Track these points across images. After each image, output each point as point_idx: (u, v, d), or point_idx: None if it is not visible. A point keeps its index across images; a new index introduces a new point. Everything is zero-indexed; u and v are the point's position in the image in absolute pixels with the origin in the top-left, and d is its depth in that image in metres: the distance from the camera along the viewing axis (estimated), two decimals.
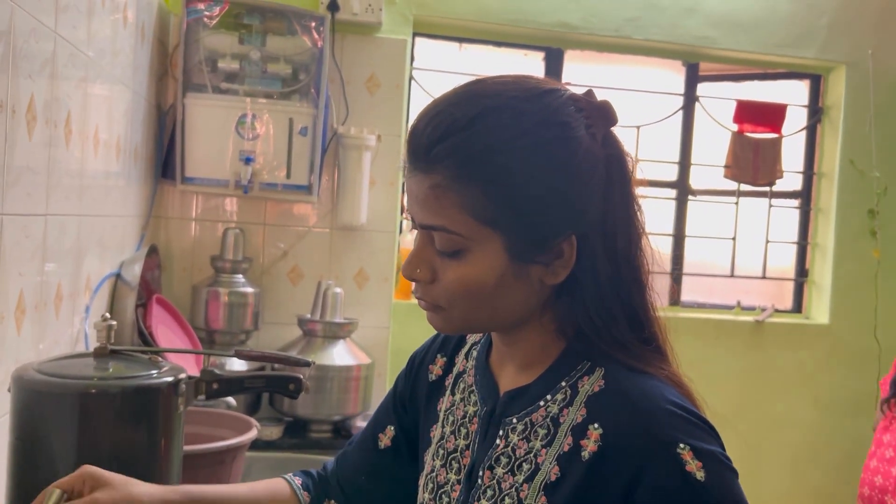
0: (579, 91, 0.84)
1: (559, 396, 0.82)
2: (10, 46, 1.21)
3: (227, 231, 2.50)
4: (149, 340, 2.02)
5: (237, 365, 2.28)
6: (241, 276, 2.50)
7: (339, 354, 2.47)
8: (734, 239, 3.26)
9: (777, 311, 3.26)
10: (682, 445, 0.73)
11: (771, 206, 3.27)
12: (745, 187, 3.23)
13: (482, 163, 0.77)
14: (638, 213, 0.84)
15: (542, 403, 0.83)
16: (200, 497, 0.95)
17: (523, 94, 0.80)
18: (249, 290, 2.49)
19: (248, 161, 2.39)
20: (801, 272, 3.32)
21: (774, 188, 3.25)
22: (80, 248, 1.68)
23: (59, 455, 1.11)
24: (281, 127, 2.46)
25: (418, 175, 0.80)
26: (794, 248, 3.33)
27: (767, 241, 3.28)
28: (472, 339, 0.99)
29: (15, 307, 1.30)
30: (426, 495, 0.92)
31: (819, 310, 3.25)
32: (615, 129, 0.84)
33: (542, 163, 0.78)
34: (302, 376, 1.21)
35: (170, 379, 1.15)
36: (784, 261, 3.34)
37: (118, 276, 2.01)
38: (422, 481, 0.95)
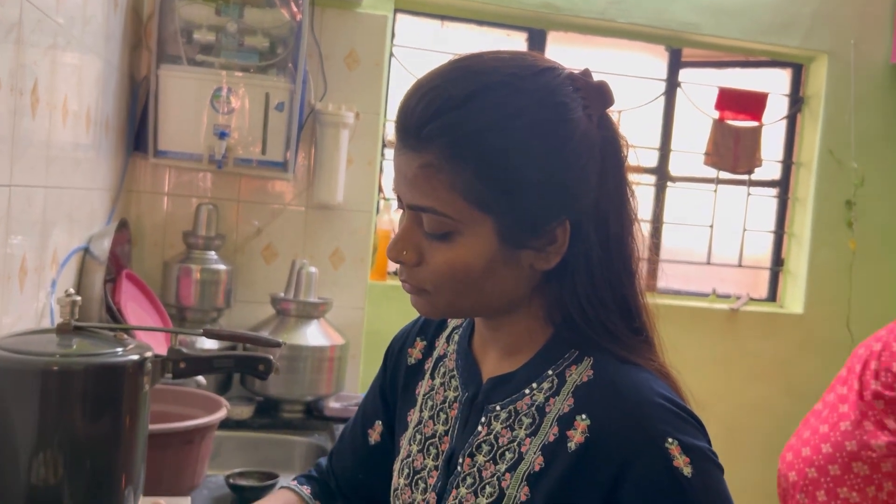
0: (576, 70, 0.81)
1: (545, 385, 0.80)
2: None
3: (200, 207, 2.45)
4: (117, 316, 1.98)
5: (208, 344, 2.24)
6: (213, 252, 2.45)
7: (313, 334, 2.43)
8: (711, 226, 3.26)
9: (752, 299, 3.27)
10: (670, 440, 0.72)
11: (749, 194, 3.28)
12: (724, 175, 3.23)
13: (476, 142, 0.74)
14: (631, 199, 0.82)
15: (527, 391, 0.81)
16: None
17: (521, 72, 0.77)
18: (222, 267, 2.45)
19: (222, 135, 2.34)
20: (777, 261, 3.34)
21: (753, 177, 3.25)
22: (46, 221, 1.63)
23: (19, 434, 1.07)
24: (257, 101, 2.40)
25: (408, 153, 0.77)
26: (770, 237, 3.34)
27: (745, 230, 3.28)
28: (453, 322, 0.96)
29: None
30: (401, 481, 0.89)
31: (794, 299, 3.26)
32: (610, 111, 0.81)
33: (538, 144, 0.75)
34: (272, 357, 1.18)
35: (135, 357, 1.12)
36: (760, 249, 3.35)
37: (86, 250, 1.96)
38: (397, 466, 0.92)
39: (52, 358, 1.08)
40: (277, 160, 2.44)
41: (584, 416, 0.76)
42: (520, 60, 0.78)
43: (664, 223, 3.22)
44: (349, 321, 2.65)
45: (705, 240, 3.26)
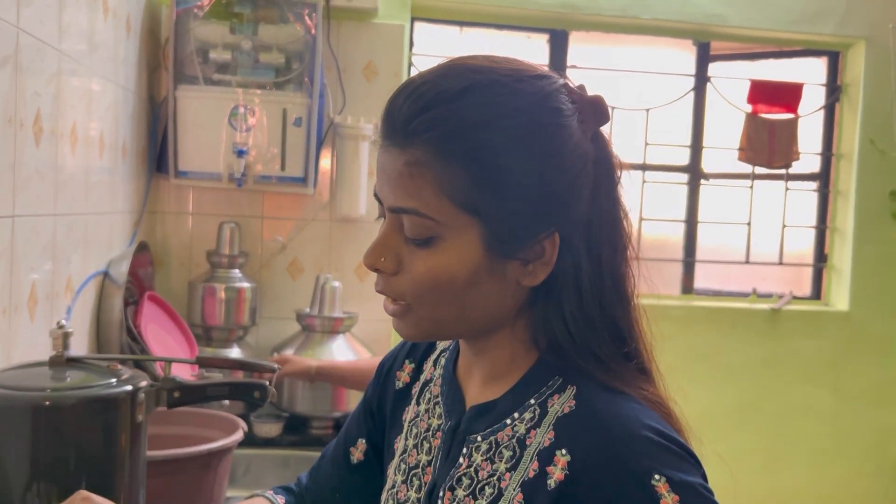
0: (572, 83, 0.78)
1: (527, 415, 0.75)
2: None
3: (222, 225, 2.45)
4: (138, 340, 1.98)
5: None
6: (237, 270, 2.46)
7: (339, 349, 2.42)
8: (749, 224, 3.16)
9: (795, 297, 3.16)
10: (657, 476, 0.66)
11: (787, 189, 3.17)
12: (759, 170, 3.13)
13: (467, 139, 0.70)
14: (624, 221, 0.77)
15: (508, 422, 0.76)
16: None
17: (516, 74, 0.73)
18: (246, 284, 2.45)
19: (240, 154, 2.34)
20: (820, 257, 3.22)
21: (791, 170, 3.15)
22: (57, 248, 1.64)
23: (13, 469, 1.06)
24: (274, 118, 2.40)
25: (393, 151, 0.72)
26: (812, 233, 3.22)
27: (784, 226, 3.17)
28: (441, 345, 0.92)
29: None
30: None
31: (839, 296, 3.14)
32: (604, 129, 0.78)
33: (531, 146, 0.71)
34: (268, 383, 1.15)
35: (128, 388, 1.10)
36: (802, 246, 3.23)
37: (106, 274, 1.97)
38: (383, 496, 0.88)
39: (44, 392, 1.07)
40: (297, 175, 2.43)
41: (564, 451, 0.71)
42: (515, 64, 0.75)
43: (700, 222, 3.13)
44: (376, 334, 2.63)
45: (743, 238, 3.16)
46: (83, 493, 0.87)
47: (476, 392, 0.81)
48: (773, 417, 3.05)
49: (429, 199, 0.70)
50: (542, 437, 0.73)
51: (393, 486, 0.86)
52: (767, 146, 3.05)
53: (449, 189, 0.70)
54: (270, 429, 2.31)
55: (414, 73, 2.82)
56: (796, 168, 3.15)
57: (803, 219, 3.20)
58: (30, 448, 1.06)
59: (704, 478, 0.69)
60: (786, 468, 3.07)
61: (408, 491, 0.83)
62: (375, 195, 0.76)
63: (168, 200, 2.58)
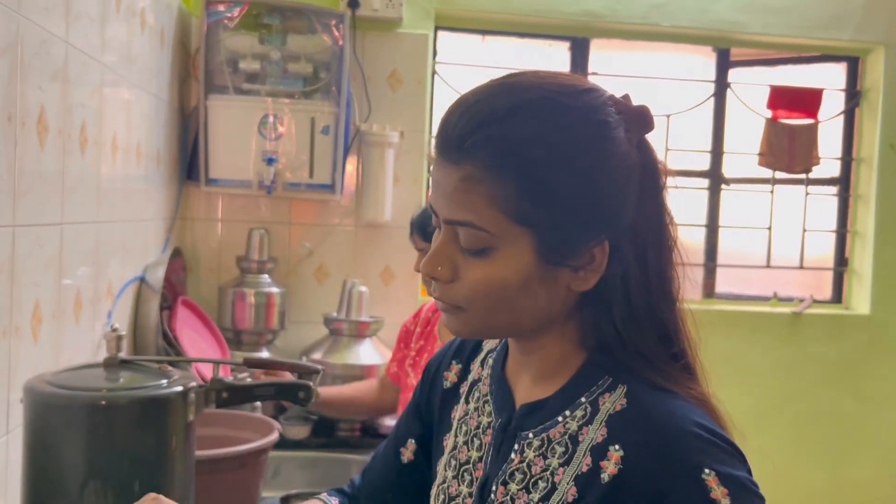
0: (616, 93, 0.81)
1: (578, 413, 0.79)
2: (18, 59, 1.22)
3: (252, 231, 2.50)
4: (173, 343, 2.03)
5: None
6: (266, 276, 2.51)
7: (366, 353, 2.46)
8: (770, 228, 3.18)
9: (816, 301, 3.17)
10: (707, 471, 0.70)
11: (808, 193, 3.18)
12: (780, 175, 3.14)
13: (518, 155, 0.73)
14: (669, 226, 0.80)
15: (560, 419, 0.80)
16: None
17: (563, 90, 0.76)
18: (275, 289, 2.50)
19: (270, 161, 2.39)
20: (841, 261, 3.23)
21: (811, 175, 3.16)
22: (99, 254, 1.69)
23: (70, 466, 1.11)
24: (303, 126, 2.45)
25: (448, 167, 0.76)
26: (832, 237, 3.23)
27: (804, 230, 3.19)
28: (488, 346, 0.96)
29: (31, 317, 1.31)
30: None
31: (860, 299, 3.15)
32: (649, 137, 0.81)
33: (580, 160, 0.74)
34: (311, 384, 1.20)
35: (179, 389, 1.15)
36: (822, 250, 3.24)
37: (142, 279, 2.02)
38: (433, 491, 0.92)
39: (99, 393, 1.12)
40: (325, 182, 2.48)
41: (617, 447, 0.74)
42: (562, 79, 0.79)
43: (721, 227, 3.15)
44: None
45: (764, 242, 3.18)
46: (153, 494, 0.89)
47: (526, 391, 0.85)
48: (794, 421, 3.06)
49: (483, 212, 0.74)
50: (595, 433, 0.76)
51: (444, 482, 0.90)
52: (787, 151, 3.07)
53: (502, 203, 0.73)
54: (299, 431, 2.35)
55: (438, 82, 2.87)
56: (816, 173, 3.16)
57: (824, 223, 3.22)
58: (86, 446, 1.11)
59: (749, 472, 0.73)
60: (806, 471, 3.08)
61: (459, 486, 0.87)
62: (430, 207, 0.80)
63: (197, 207, 2.64)
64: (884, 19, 3.00)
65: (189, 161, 2.53)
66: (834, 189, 3.22)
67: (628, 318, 0.77)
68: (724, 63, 3.07)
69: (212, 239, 2.66)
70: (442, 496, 0.89)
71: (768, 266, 3.19)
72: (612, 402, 0.77)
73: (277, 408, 2.42)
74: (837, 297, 3.23)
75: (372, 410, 2.14)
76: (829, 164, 3.18)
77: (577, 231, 0.75)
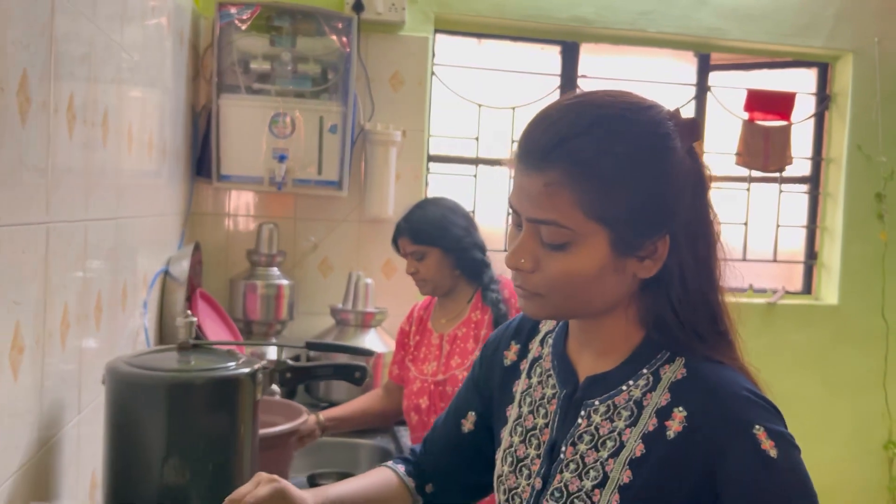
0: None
1: (641, 382, 0.92)
2: (51, 50, 1.15)
3: (262, 226, 2.60)
4: (197, 333, 2.13)
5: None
6: (275, 268, 2.61)
7: (371, 342, 2.57)
8: (746, 224, 3.36)
9: (787, 293, 3.36)
10: (757, 426, 0.84)
11: (781, 191, 3.37)
12: (756, 173, 3.32)
13: (596, 164, 0.85)
14: (714, 222, 0.93)
15: (624, 388, 0.92)
16: (337, 498, 1.04)
17: (632, 107, 0.89)
18: (284, 282, 2.60)
19: (281, 159, 2.49)
20: (811, 255, 3.43)
21: (784, 174, 3.35)
22: (135, 247, 1.78)
23: (150, 441, 1.21)
24: (312, 125, 2.55)
25: (533, 173, 0.87)
26: (803, 232, 3.43)
27: (778, 226, 3.38)
28: (545, 327, 1.08)
29: (94, 307, 1.40)
30: (505, 468, 1.02)
31: (828, 291, 3.35)
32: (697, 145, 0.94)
33: (648, 167, 0.87)
34: (366, 364, 1.31)
35: (248, 370, 1.26)
36: (794, 244, 3.44)
37: (167, 272, 2.12)
38: (499, 455, 1.04)
39: (177, 373, 1.22)
40: (333, 179, 2.59)
41: (681, 408, 0.88)
42: (629, 97, 0.92)
43: None
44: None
45: (741, 237, 3.36)
46: (264, 474, 0.98)
47: (588, 365, 0.98)
48: None
49: (566, 212, 0.87)
50: (659, 398, 0.90)
51: (510, 446, 1.02)
52: (763, 151, 3.25)
53: (582, 204, 0.86)
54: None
55: (435, 82, 2.99)
56: (789, 171, 3.35)
57: (795, 219, 3.41)
58: (166, 422, 1.21)
59: (787, 428, 0.87)
60: None
61: (527, 449, 1.00)
62: (512, 207, 0.93)
63: (205, 203, 2.72)
64: (852, 28, 3.19)
65: (199, 158, 2.62)
66: (805, 187, 3.42)
67: (684, 301, 0.90)
68: (705, 67, 3.24)
69: (219, 233, 2.75)
70: (510, 458, 1.02)
71: (744, 259, 3.37)
72: (673, 371, 0.91)
73: (288, 395, 2.52)
74: (808, 288, 3.43)
75: (382, 417, 2.18)
76: (800, 163, 3.37)
77: (644, 227, 0.88)
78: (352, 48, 2.58)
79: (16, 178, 1.01)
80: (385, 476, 1.13)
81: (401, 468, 1.15)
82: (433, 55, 2.96)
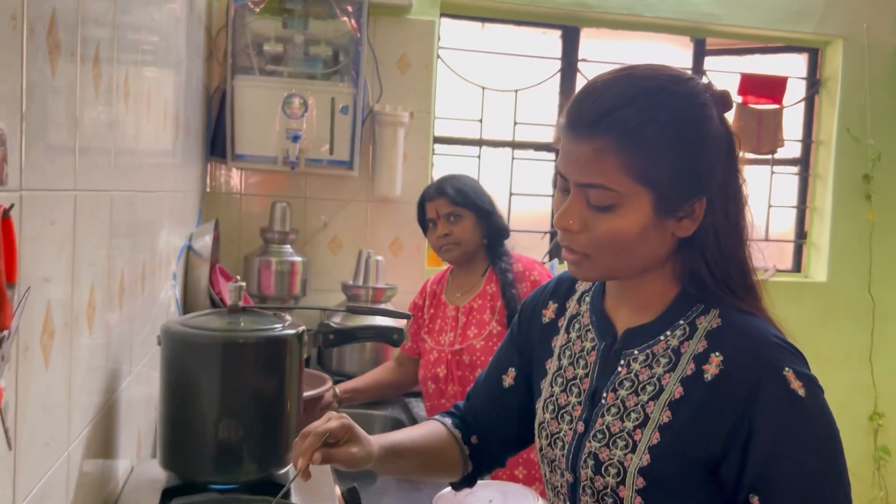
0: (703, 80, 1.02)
1: (678, 332, 1.00)
2: (78, 32, 1.01)
3: (275, 204, 2.67)
4: (218, 305, 2.20)
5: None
6: (288, 246, 2.68)
7: (382, 317, 2.65)
8: None
9: (778, 270, 3.48)
10: (787, 369, 0.93)
11: (773, 172, 3.48)
12: (748, 155, 3.43)
13: (641, 131, 0.93)
14: (743, 185, 1.02)
15: (661, 338, 1.01)
16: (392, 446, 1.12)
17: (673, 79, 0.97)
18: (297, 258, 2.67)
19: (295, 139, 2.56)
20: (801, 234, 3.54)
21: (776, 156, 3.45)
22: (157, 222, 1.83)
23: (205, 397, 1.28)
24: (323, 106, 2.62)
25: (581, 141, 0.95)
26: (794, 212, 3.54)
27: (770, 206, 3.49)
28: (581, 287, 1.16)
29: (140, 274, 1.47)
30: (546, 416, 1.10)
31: (817, 269, 3.47)
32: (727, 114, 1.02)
33: (688, 134, 0.95)
34: (403, 327, 1.39)
35: (294, 331, 1.34)
36: (785, 224, 3.55)
37: (189, 248, 2.19)
38: (540, 405, 1.13)
39: (231, 333, 1.30)
40: (344, 159, 2.66)
41: (717, 353, 0.96)
42: (670, 71, 1.00)
43: None
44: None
45: None
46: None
47: (626, 319, 1.06)
48: None
49: (612, 175, 0.95)
50: (696, 345, 0.98)
51: (551, 396, 1.11)
52: (756, 134, 3.36)
53: (628, 168, 0.94)
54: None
55: (440, 65, 3.06)
56: (780, 153, 3.46)
57: (786, 199, 3.52)
58: (220, 379, 1.28)
59: (810, 370, 0.96)
60: None
61: (568, 397, 1.08)
62: (560, 173, 1.01)
63: (219, 181, 2.79)
64: (843, 15, 3.30)
65: (212, 138, 2.68)
66: (795, 169, 3.53)
67: (718, 258, 0.99)
68: (700, 52, 3.34)
69: (233, 211, 2.81)
70: (551, 406, 1.10)
71: None
72: (708, 321, 0.99)
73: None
74: (798, 266, 3.55)
75: (395, 387, 2.29)
76: (791, 146, 3.48)
77: (683, 189, 0.96)
78: (361, 31, 2.64)
79: (44, 137, 0.85)
80: (435, 427, 1.22)
81: (448, 421, 1.23)
82: (439, 38, 3.03)
